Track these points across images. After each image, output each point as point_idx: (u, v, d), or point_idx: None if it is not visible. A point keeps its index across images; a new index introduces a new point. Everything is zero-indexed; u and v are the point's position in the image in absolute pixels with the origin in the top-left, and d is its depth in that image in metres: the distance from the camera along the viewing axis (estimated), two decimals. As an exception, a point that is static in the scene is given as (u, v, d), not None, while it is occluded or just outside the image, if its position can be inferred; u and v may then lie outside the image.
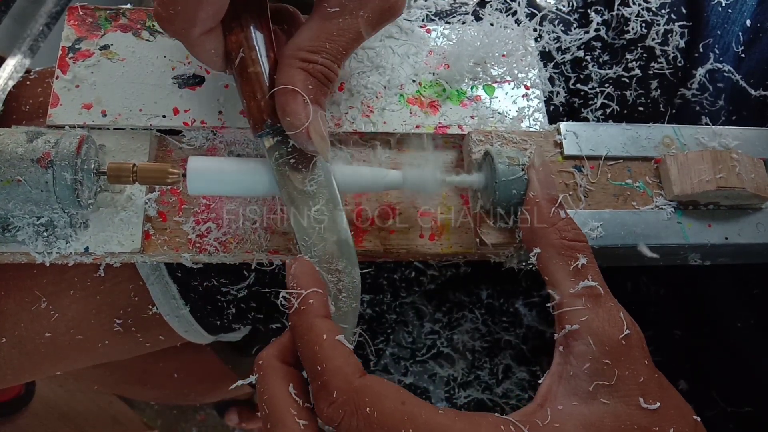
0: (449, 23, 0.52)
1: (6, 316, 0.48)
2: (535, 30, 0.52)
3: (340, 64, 0.39)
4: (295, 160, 0.39)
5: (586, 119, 0.51)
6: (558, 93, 0.52)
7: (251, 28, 0.39)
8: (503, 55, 0.50)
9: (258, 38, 0.39)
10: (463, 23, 0.51)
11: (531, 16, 0.52)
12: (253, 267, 0.46)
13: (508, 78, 0.49)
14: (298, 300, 0.34)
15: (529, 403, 0.34)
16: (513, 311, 0.55)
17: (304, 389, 0.33)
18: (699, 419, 0.34)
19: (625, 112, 0.52)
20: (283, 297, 0.35)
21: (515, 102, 0.48)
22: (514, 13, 0.52)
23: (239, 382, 0.36)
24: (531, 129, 0.47)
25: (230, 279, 0.50)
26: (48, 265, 0.42)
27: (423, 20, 0.52)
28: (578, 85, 0.52)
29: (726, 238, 0.43)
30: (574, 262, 0.35)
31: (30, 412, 1.10)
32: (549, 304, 0.36)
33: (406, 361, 0.56)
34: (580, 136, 0.45)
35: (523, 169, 0.40)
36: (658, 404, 0.32)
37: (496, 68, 0.49)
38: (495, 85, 0.49)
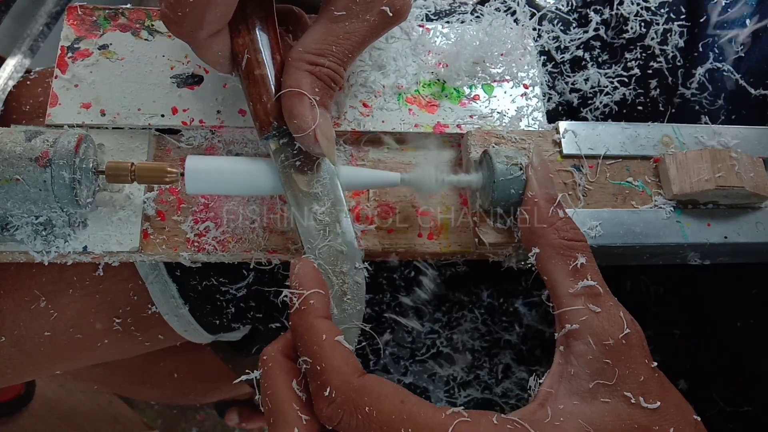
0: (448, 22, 0.52)
1: (5, 315, 0.48)
2: (534, 29, 0.52)
3: (346, 67, 0.40)
4: (300, 162, 0.39)
5: (585, 118, 0.51)
6: (554, 95, 0.52)
7: (257, 30, 0.39)
8: (502, 54, 0.49)
9: (264, 40, 0.39)
10: (462, 22, 0.51)
11: (530, 16, 0.52)
12: (252, 266, 0.46)
13: (507, 77, 0.49)
14: (299, 300, 0.34)
15: (530, 403, 0.34)
16: (513, 311, 0.55)
17: (307, 385, 0.33)
18: (699, 419, 0.34)
19: (624, 111, 0.52)
20: (284, 296, 0.35)
21: (514, 101, 0.48)
22: (513, 13, 0.52)
23: (243, 377, 0.36)
24: (530, 128, 0.47)
25: (229, 278, 0.50)
26: (47, 264, 0.42)
27: (422, 19, 0.52)
28: (577, 85, 0.52)
29: (725, 237, 0.43)
30: (573, 261, 0.35)
31: (30, 412, 1.10)
32: (549, 304, 0.36)
33: (406, 361, 0.56)
34: (579, 136, 0.45)
35: (521, 169, 0.40)
36: (659, 403, 0.32)
37: (495, 67, 0.49)
38: (494, 84, 0.49)
